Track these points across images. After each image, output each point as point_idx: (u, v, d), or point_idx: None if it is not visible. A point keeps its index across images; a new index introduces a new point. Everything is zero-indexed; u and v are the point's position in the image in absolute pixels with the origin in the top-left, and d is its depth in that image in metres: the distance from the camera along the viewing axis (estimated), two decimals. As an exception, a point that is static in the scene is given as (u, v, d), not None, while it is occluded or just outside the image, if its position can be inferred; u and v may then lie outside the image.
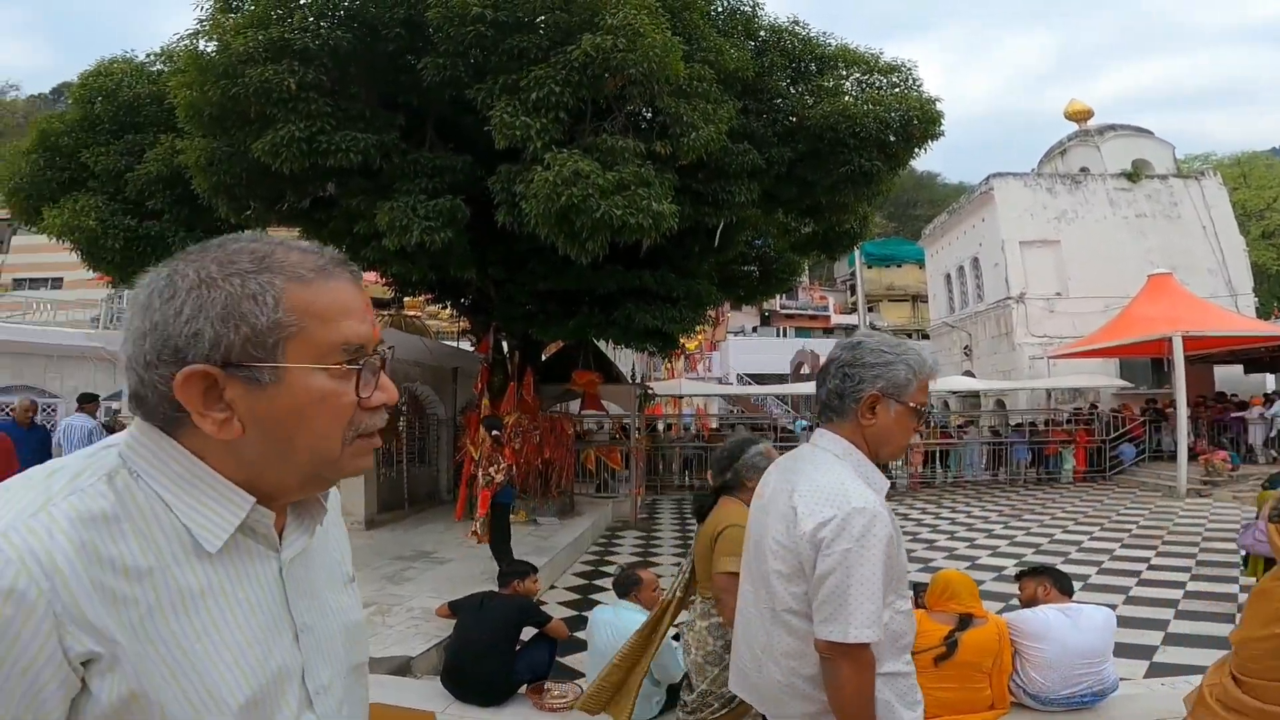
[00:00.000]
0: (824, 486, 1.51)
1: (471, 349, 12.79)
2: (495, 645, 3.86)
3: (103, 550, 0.67)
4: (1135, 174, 22.06)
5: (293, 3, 6.64)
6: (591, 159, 6.48)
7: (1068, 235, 21.39)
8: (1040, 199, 21.86)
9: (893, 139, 8.32)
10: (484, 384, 9.74)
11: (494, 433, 7.03)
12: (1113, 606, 5.16)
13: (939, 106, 8.57)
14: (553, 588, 7.11)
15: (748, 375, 30.97)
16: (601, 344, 12.01)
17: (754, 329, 39.91)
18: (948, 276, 26.84)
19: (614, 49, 6.30)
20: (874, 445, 1.59)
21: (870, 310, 33.41)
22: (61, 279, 23.75)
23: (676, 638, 3.82)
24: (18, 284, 24.00)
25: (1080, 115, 24.73)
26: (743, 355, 33.53)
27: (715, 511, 2.48)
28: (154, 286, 0.73)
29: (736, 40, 8.39)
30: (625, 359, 20.00)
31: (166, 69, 8.89)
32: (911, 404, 1.56)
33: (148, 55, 9.49)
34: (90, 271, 10.11)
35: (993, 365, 22.61)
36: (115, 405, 12.45)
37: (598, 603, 6.30)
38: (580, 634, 5.36)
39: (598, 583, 7.30)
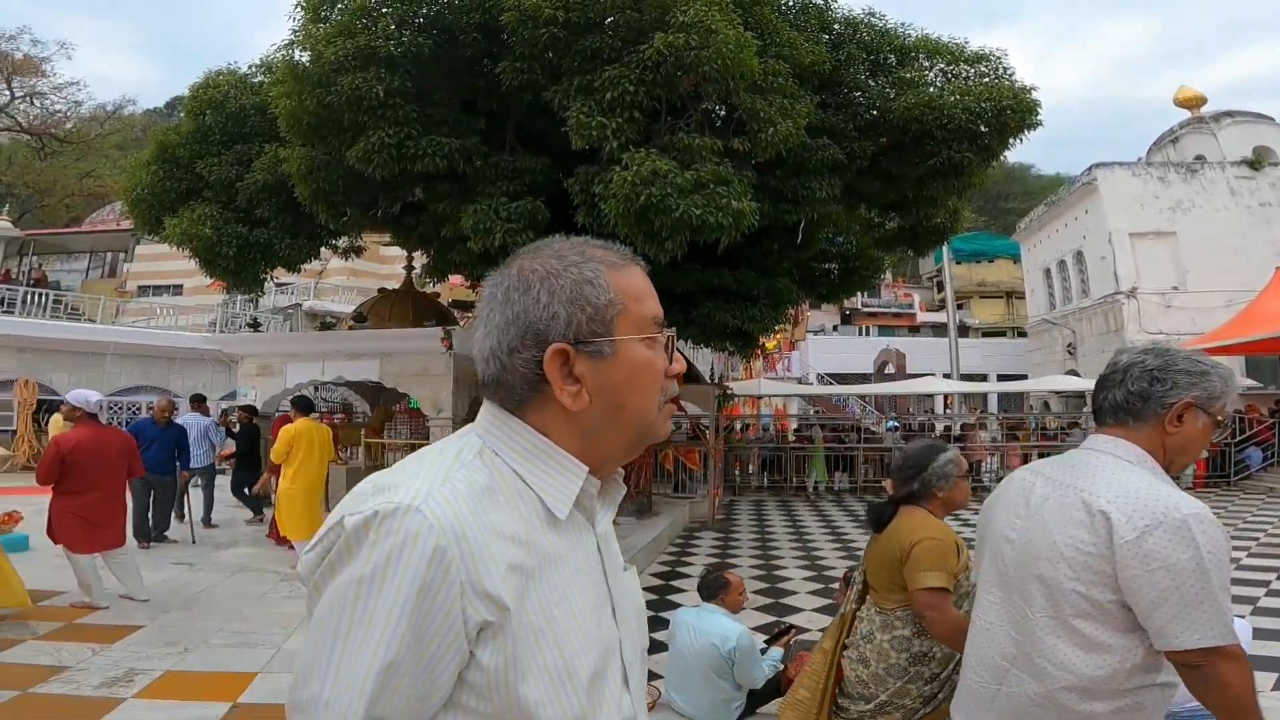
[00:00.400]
0: (1138, 493, 1.46)
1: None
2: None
3: (493, 518, 0.74)
4: (1258, 161, 20.40)
5: (375, 11, 6.88)
6: (669, 158, 6.47)
7: (1184, 226, 19.93)
8: (1151, 189, 20.47)
9: (984, 130, 8.02)
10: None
11: None
12: (1240, 617, 4.75)
13: (1034, 95, 8.19)
14: None
15: (828, 375, 30.23)
16: (679, 343, 11.97)
17: (834, 328, 38.88)
18: (1047, 271, 25.47)
19: (686, 46, 6.28)
20: (1171, 454, 1.56)
21: (960, 307, 31.92)
22: (181, 285, 25.67)
23: (764, 649, 3.78)
24: (143, 291, 26.13)
25: (1192, 102, 23.10)
26: (823, 354, 32.73)
27: (899, 523, 2.35)
28: (507, 283, 0.84)
29: (810, 34, 8.22)
30: (703, 359, 19.90)
31: (267, 80, 9.33)
32: (1219, 417, 1.56)
33: (249, 67, 9.99)
34: (206, 278, 10.84)
35: (1100, 364, 20.89)
36: (227, 404, 13.34)
37: (675, 604, 6.29)
38: (658, 635, 5.38)
39: (675, 583, 7.27)
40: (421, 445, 9.44)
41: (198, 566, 6.19)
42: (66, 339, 16.35)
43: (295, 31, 7.21)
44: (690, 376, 12.13)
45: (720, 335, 9.18)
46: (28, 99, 34.37)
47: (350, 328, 10.56)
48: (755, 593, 6.45)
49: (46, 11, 68.14)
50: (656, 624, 5.64)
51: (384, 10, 6.87)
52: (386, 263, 26.39)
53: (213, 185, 9.16)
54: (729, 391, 15.35)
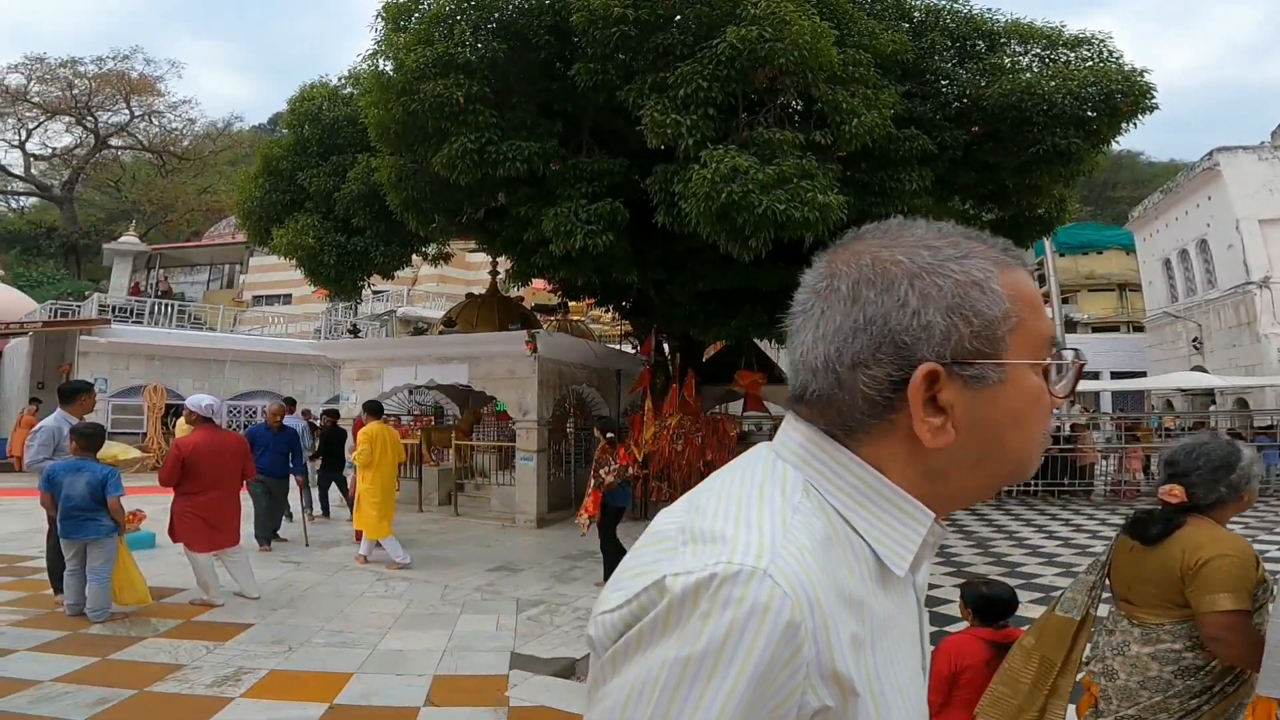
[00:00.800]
0: None
1: (634, 351, 13.07)
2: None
3: (837, 578, 0.59)
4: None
5: (451, 19, 7.06)
6: (748, 154, 6.34)
7: (1323, 210, 18.03)
8: None
9: (1092, 115, 7.58)
10: (646, 385, 9.88)
11: (609, 435, 6.84)
12: None
13: (1148, 78, 7.67)
14: None
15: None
16: (763, 344, 11.77)
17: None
18: (1166, 262, 23.53)
19: (759, 39, 6.15)
20: None
21: (1065, 302, 29.91)
22: (290, 295, 27.37)
23: None
24: (257, 300, 28.02)
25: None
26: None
27: (1186, 535, 2.10)
28: (855, 276, 0.65)
29: (889, 23, 7.96)
30: (786, 360, 19.51)
31: (355, 91, 9.80)
32: None
33: (339, 79, 10.51)
34: (310, 288, 11.50)
35: (1230, 359, 19.57)
36: (331, 407, 13.98)
37: None
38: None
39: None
40: (507, 446, 9.67)
41: (304, 565, 6.52)
42: (191, 347, 17.56)
43: (378, 42, 7.50)
44: (775, 377, 11.87)
45: None
46: (146, 118, 37.51)
47: (441, 332, 10.93)
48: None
49: (155, 32, 74.60)
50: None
51: (459, 17, 7.03)
52: (473, 269, 27.09)
53: (313, 196, 9.66)
54: None
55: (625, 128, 7.54)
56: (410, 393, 12.65)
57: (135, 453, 5.13)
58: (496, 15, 7.25)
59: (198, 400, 5.55)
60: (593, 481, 6.66)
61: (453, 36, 6.90)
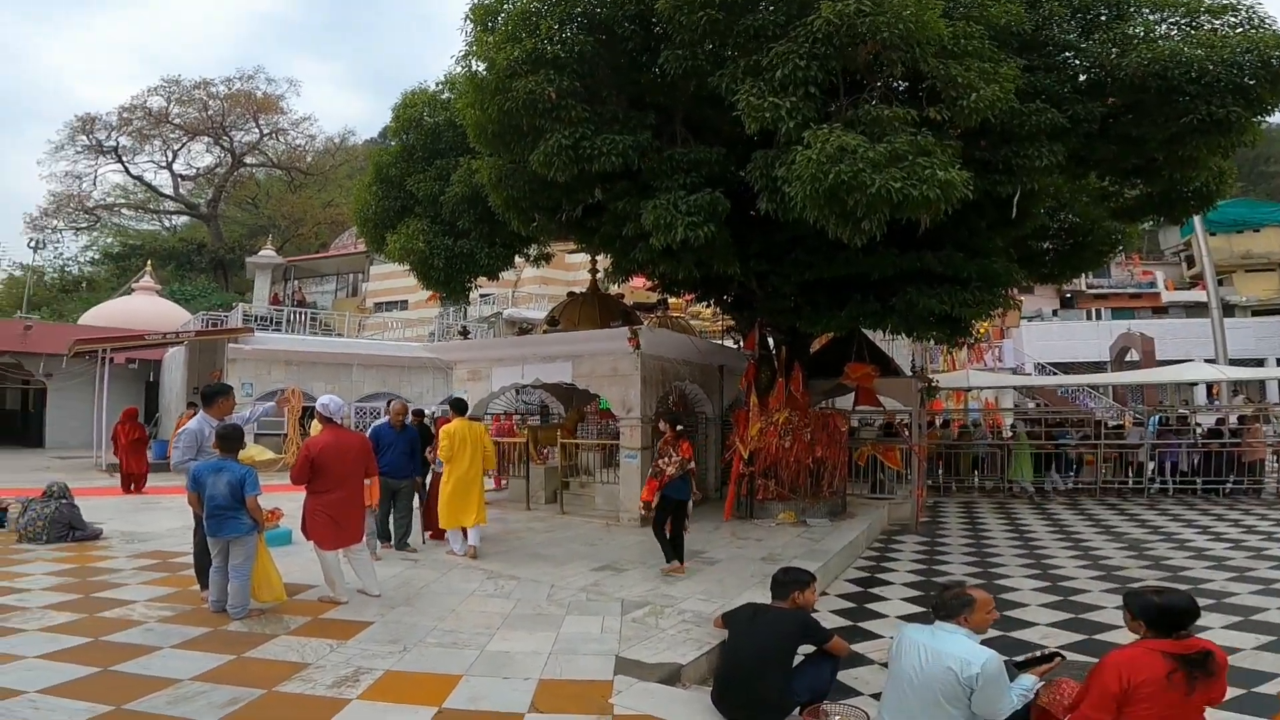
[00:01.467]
0: None
1: (736, 346, 12.80)
2: (770, 663, 3.65)
3: None
4: None
5: (536, 16, 7.08)
6: (855, 133, 5.99)
7: None
8: None
9: (1251, 82, 6.81)
10: (751, 380, 9.61)
11: (678, 427, 6.94)
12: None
13: None
14: (824, 594, 6.72)
15: (1050, 364, 26.82)
16: (873, 334, 11.20)
17: (1053, 313, 34.53)
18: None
19: (857, 14, 5.81)
20: None
21: (1220, 283, 26.76)
22: (406, 301, 28.90)
23: (1022, 661, 3.29)
24: (378, 307, 29.76)
25: None
26: (1041, 341, 29.19)
27: None
28: None
29: (999, -7, 7.35)
30: (899, 351, 18.55)
31: (451, 95, 10.10)
32: None
33: (436, 85, 10.86)
34: (424, 293, 12.02)
35: None
36: (419, 406, 14.48)
37: (874, 613, 5.97)
38: (863, 649, 4.94)
39: (875, 590, 6.77)
40: (611, 444, 9.66)
41: (421, 563, 6.77)
42: (322, 352, 18.78)
43: (469, 43, 7.64)
44: (888, 369, 11.26)
45: (924, 323, 8.40)
46: (273, 135, 40.74)
47: (544, 331, 11.10)
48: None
49: (267, 56, 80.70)
50: (856, 635, 5.27)
51: (544, 13, 7.05)
52: (572, 269, 27.50)
53: (421, 201, 10.05)
54: (934, 384, 14.06)
55: (717, 116, 7.36)
56: (517, 392, 12.96)
57: (270, 454, 5.43)
58: (580, 9, 7.23)
59: (322, 401, 5.78)
60: (651, 470, 6.88)
61: (539, 32, 6.92)
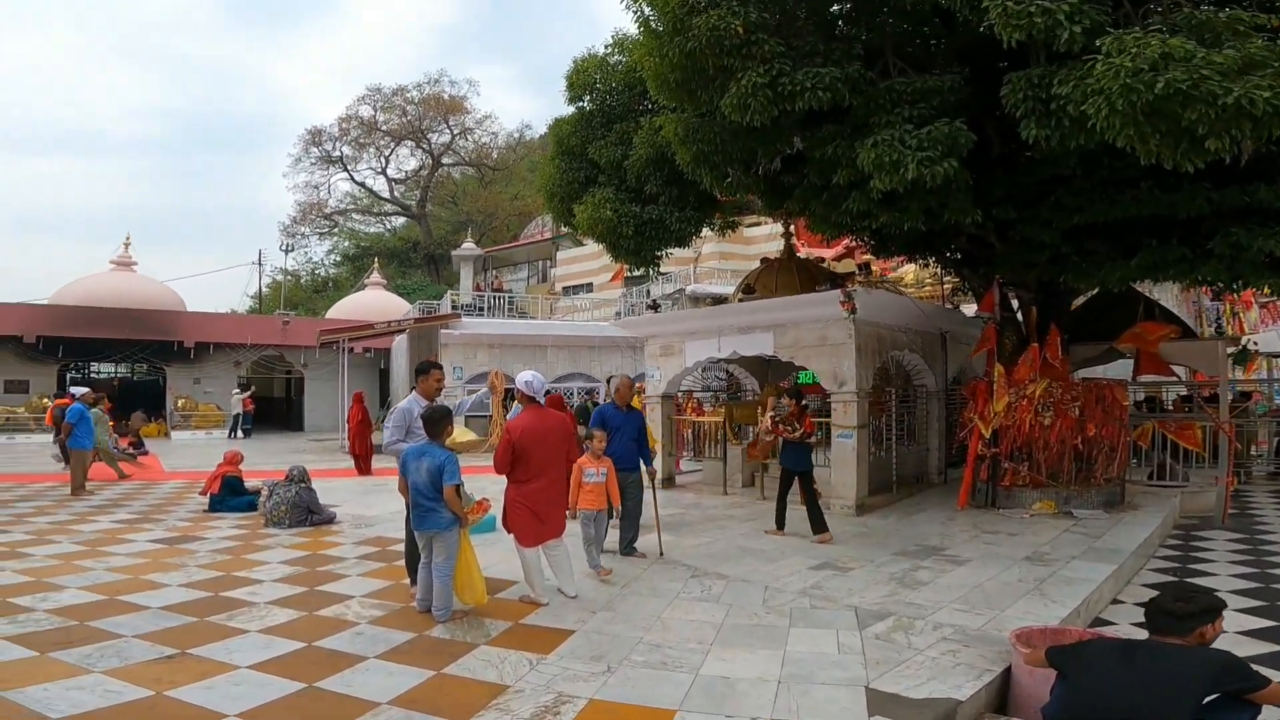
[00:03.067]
0: None
1: (951, 309, 11.09)
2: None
3: None
4: None
5: None
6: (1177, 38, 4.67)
7: None
8: None
9: None
10: (993, 347, 8.03)
11: (801, 403, 7.17)
12: None
13: None
14: (1117, 602, 5.43)
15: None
16: (1144, 288, 9.07)
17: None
18: None
19: None
20: None
21: None
22: (591, 284, 29.56)
23: None
24: (566, 291, 30.72)
25: None
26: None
27: None
28: None
29: None
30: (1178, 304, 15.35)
31: (623, 57, 9.72)
32: None
33: (605, 47, 10.43)
34: (608, 276, 11.74)
35: None
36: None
37: None
38: None
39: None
40: (818, 422, 8.58)
41: (617, 556, 6.25)
42: (520, 334, 19.76)
43: None
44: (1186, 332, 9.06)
45: (1256, 269, 6.51)
46: (462, 134, 43.72)
47: (740, 300, 10.22)
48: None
49: (448, 60, 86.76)
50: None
51: None
52: (753, 243, 26.84)
53: (604, 169, 9.72)
54: (1250, 347, 11.18)
55: (939, 40, 6.50)
56: (703, 371, 12.26)
57: (472, 435, 5.00)
58: None
59: (524, 378, 5.24)
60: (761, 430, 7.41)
61: None
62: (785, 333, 8.70)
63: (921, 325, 9.53)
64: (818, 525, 6.77)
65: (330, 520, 8.08)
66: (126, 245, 27.29)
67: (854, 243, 12.51)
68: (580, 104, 10.33)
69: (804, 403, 7.15)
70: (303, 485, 8.15)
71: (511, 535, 5.04)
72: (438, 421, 4.69)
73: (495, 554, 6.21)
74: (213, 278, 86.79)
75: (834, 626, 4.48)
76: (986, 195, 7.04)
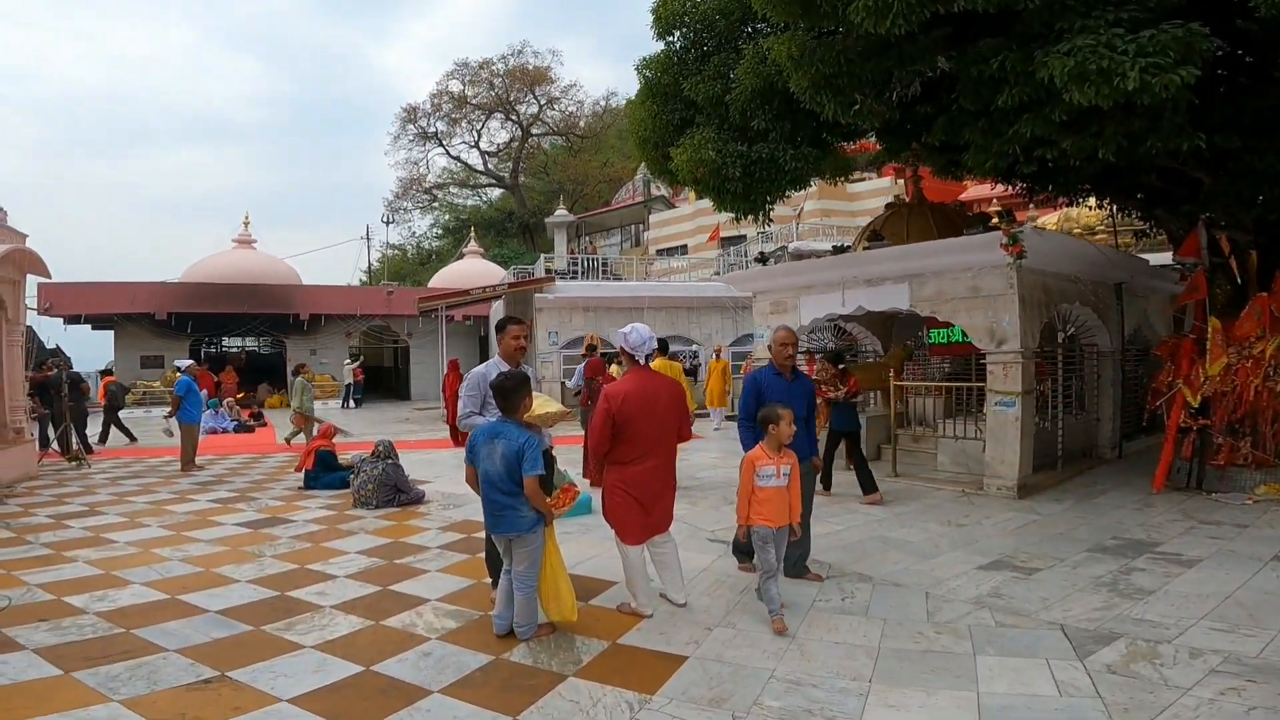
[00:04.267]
0: None
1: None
2: None
3: None
4: None
5: None
6: None
7: None
8: None
9: None
10: (1203, 297, 6.40)
11: (840, 366, 7.28)
12: None
13: None
14: None
15: None
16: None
17: None
18: None
19: None
20: None
21: None
22: (686, 245, 28.38)
23: None
24: (659, 254, 29.69)
25: None
26: None
27: None
28: None
29: None
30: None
31: None
32: None
33: None
34: (702, 235, 10.60)
35: None
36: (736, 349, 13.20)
37: None
38: None
39: None
40: (965, 387, 6.91)
41: (727, 553, 5.25)
42: (616, 297, 19.19)
43: None
44: None
45: None
46: (549, 104, 43.22)
47: (866, 248, 8.85)
48: None
49: (529, 32, 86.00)
50: None
51: None
52: (856, 199, 25.07)
53: (702, 108, 8.61)
54: None
55: None
56: (809, 333, 10.94)
57: (556, 405, 3.98)
58: None
59: (625, 334, 4.18)
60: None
61: None
62: (925, 284, 7.34)
63: (1093, 274, 7.89)
64: (867, 485, 6.82)
65: (419, 500, 7.56)
66: (246, 224, 28.56)
67: (997, 185, 10.73)
68: (669, 39, 9.17)
69: (842, 365, 7.37)
70: (389, 461, 7.68)
71: (612, 529, 4.14)
72: (512, 392, 3.67)
73: (587, 544, 5.42)
74: (326, 254, 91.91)
75: (1039, 654, 3.40)
76: (1204, 119, 5.57)
